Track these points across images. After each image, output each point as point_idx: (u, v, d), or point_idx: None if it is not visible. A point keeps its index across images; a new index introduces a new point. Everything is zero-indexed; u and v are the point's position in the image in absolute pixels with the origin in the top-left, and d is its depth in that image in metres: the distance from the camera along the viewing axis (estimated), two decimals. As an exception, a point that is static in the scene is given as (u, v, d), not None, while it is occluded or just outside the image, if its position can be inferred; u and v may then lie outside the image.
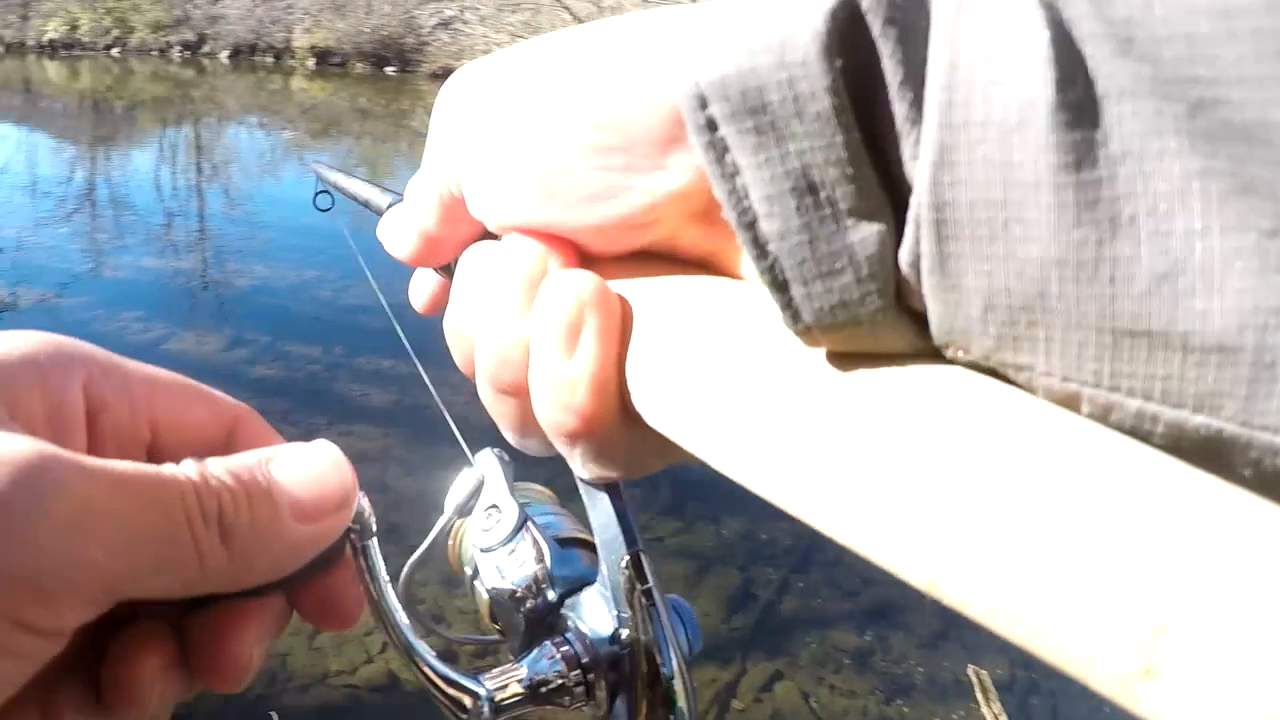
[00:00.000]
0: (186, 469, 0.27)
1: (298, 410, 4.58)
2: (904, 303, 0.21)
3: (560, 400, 0.28)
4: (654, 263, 0.29)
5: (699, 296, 0.27)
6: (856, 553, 0.21)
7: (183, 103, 19.40)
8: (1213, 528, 0.16)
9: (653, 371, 0.26)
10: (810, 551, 3.14)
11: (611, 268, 0.29)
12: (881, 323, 0.21)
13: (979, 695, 2.24)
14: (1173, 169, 0.17)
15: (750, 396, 0.23)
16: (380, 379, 4.58)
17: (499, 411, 0.32)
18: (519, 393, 0.30)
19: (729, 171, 0.22)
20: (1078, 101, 0.17)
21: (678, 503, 3.30)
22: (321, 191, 0.69)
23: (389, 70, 26.24)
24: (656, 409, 0.26)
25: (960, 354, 0.20)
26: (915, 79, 0.19)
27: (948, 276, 0.19)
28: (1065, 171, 0.17)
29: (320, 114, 18.65)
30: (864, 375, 0.21)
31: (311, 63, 26.45)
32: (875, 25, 0.19)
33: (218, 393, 0.33)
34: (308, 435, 0.32)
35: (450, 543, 0.50)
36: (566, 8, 23.61)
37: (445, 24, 26.80)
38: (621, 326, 0.27)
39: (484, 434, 0.44)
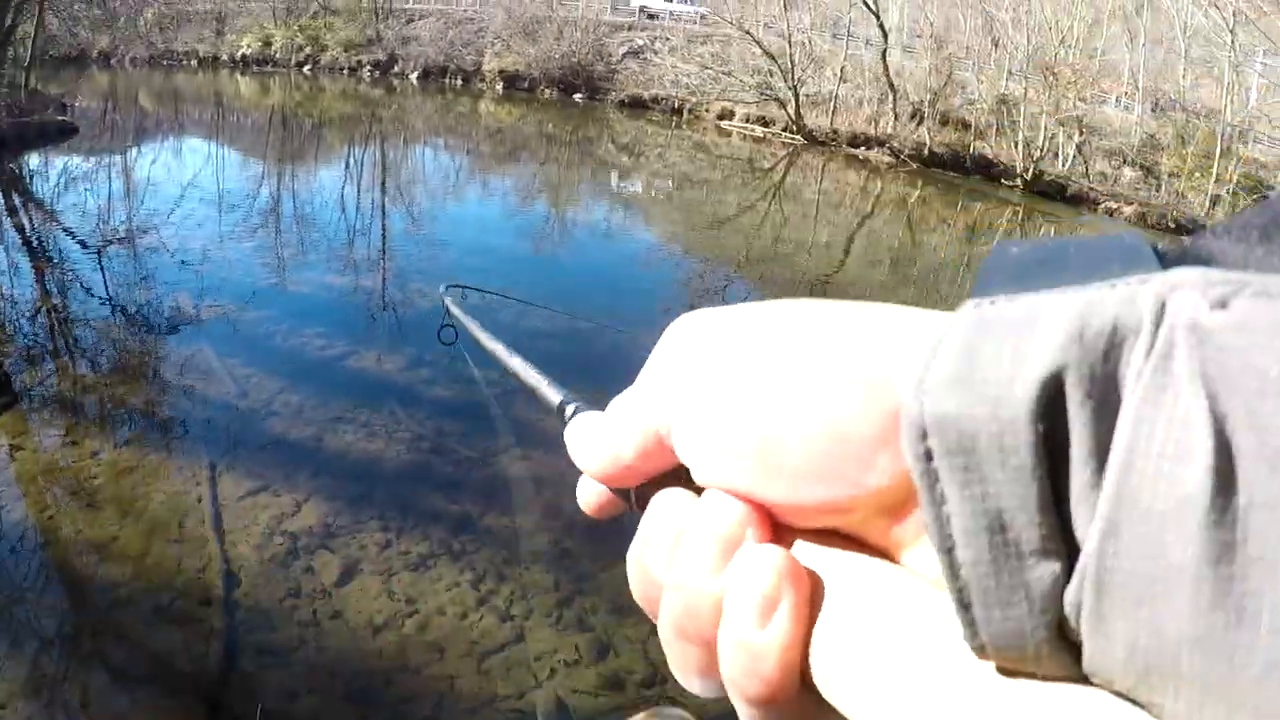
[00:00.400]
0: None
1: (474, 434, 4.77)
2: (1063, 631, 0.24)
3: (748, 666, 0.30)
4: (839, 540, 0.32)
5: (883, 586, 0.30)
6: None
7: (371, 122, 20.44)
8: None
9: (836, 651, 0.29)
10: None
11: (801, 537, 0.32)
12: (1044, 651, 0.24)
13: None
14: None
15: (920, 690, 0.27)
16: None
17: (676, 652, 0.34)
18: (701, 643, 0.32)
19: (937, 500, 0.25)
20: (1227, 506, 0.21)
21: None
22: (447, 325, 0.72)
23: (576, 97, 26.93)
24: (834, 685, 0.29)
25: (1104, 684, 0.24)
26: (1100, 454, 0.23)
27: (1100, 626, 0.23)
28: (1207, 564, 0.21)
29: (506, 137, 19.18)
30: (1022, 687, 0.25)
31: (500, 86, 27.47)
32: (1074, 399, 0.23)
33: None
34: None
35: None
36: (757, 41, 23.82)
37: (635, 53, 27.37)
38: (811, 602, 0.30)
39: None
